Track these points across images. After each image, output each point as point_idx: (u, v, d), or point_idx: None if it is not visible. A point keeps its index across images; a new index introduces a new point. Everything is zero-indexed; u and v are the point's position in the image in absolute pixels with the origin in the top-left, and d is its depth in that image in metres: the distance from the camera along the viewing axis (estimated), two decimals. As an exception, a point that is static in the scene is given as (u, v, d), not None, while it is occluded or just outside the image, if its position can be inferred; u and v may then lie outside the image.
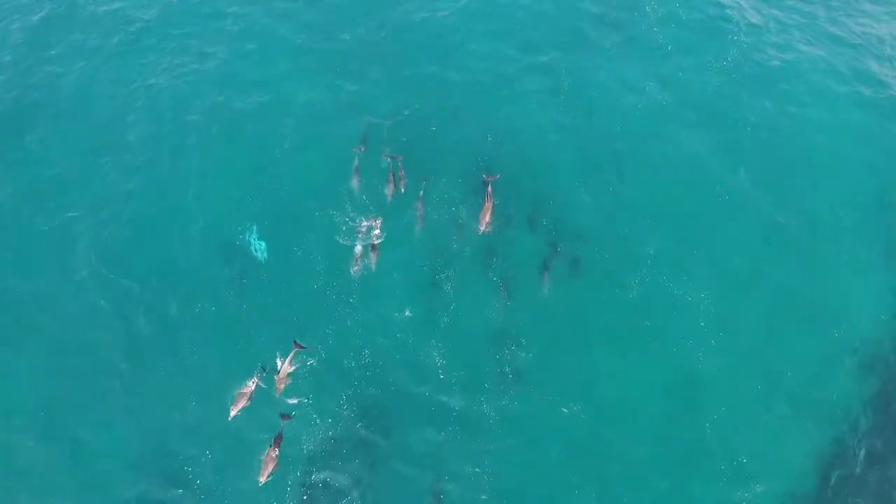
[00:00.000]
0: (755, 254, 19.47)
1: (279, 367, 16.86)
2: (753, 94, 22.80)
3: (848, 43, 24.63)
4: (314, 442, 16.41)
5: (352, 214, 19.53)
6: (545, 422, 16.77)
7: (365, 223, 19.29)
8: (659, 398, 17.18)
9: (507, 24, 24.74)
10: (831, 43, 24.61)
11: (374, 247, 18.88)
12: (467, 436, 16.55)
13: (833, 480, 16.36)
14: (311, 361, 17.32)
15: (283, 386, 16.77)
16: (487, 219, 19.25)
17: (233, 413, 16.31)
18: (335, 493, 15.91)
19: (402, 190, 19.93)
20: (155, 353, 17.62)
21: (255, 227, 19.53)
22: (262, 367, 16.94)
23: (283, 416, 16.36)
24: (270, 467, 15.71)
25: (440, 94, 22.50)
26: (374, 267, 18.71)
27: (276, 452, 15.83)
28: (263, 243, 19.26)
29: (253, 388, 16.56)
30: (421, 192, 19.81)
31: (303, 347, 17.25)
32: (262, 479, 15.56)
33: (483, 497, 15.84)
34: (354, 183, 20.16)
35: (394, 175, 20.01)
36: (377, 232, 19.09)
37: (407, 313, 18.10)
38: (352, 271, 18.64)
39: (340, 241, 19.04)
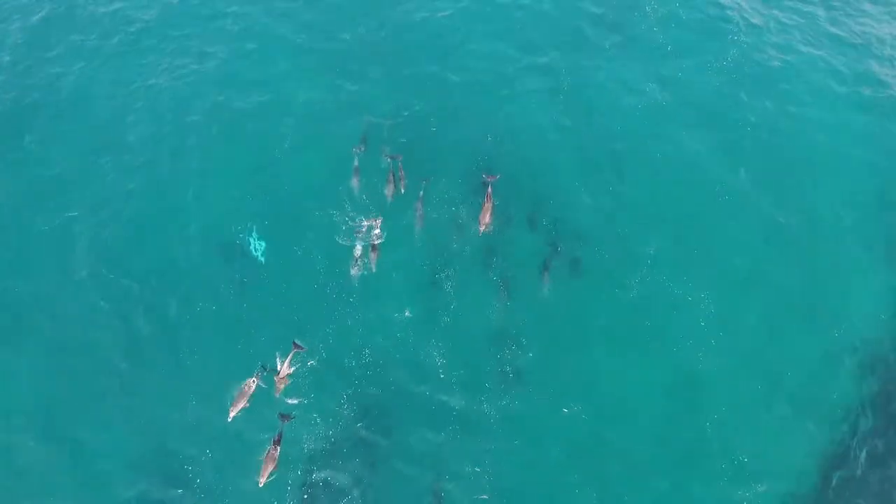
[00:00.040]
0: (755, 254, 19.48)
1: (279, 368, 16.85)
2: (753, 94, 22.82)
3: (848, 43, 24.64)
4: (314, 441, 16.41)
5: (352, 214, 19.52)
6: (545, 421, 16.77)
7: (365, 223, 19.28)
8: (659, 398, 17.17)
9: (507, 24, 24.74)
10: (831, 43, 24.62)
11: (374, 247, 18.88)
12: (467, 435, 16.55)
13: (834, 481, 16.35)
14: (311, 361, 17.31)
15: (282, 386, 16.75)
16: (487, 219, 19.25)
17: (232, 414, 16.29)
18: (335, 493, 15.90)
19: (402, 190, 19.93)
20: (155, 353, 17.61)
21: (254, 227, 19.52)
22: (262, 367, 16.92)
23: (283, 416, 16.34)
24: (270, 468, 15.70)
25: (440, 94, 22.51)
26: (374, 267, 18.70)
27: (276, 453, 15.82)
28: (263, 243, 19.26)
29: (253, 388, 16.55)
30: (421, 192, 19.81)
31: (302, 348, 17.23)
32: (262, 481, 15.54)
33: (483, 497, 15.83)
34: (354, 183, 20.16)
35: (394, 175, 20.01)
36: (377, 232, 19.08)
37: (407, 313, 18.10)
38: (352, 271, 18.64)
39: (340, 241, 19.03)
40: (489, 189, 19.58)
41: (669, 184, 20.63)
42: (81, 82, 22.97)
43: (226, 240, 19.37)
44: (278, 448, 15.89)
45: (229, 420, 16.26)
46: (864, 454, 16.73)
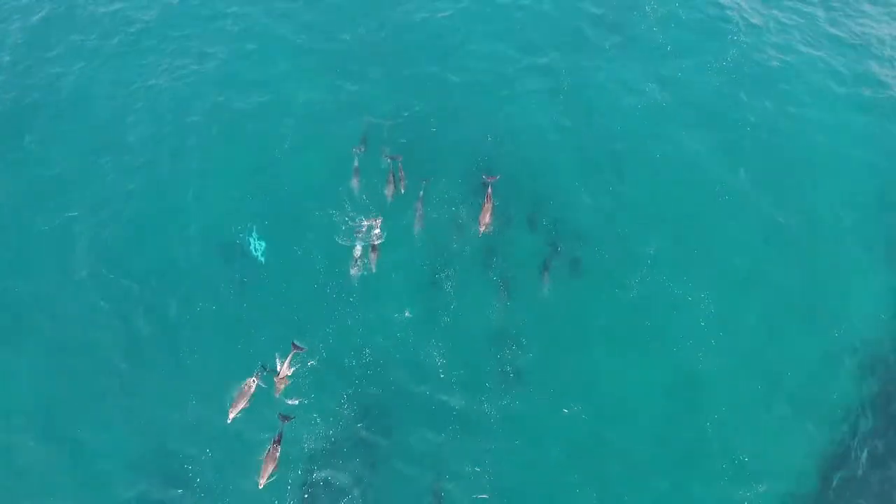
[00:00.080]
0: (755, 254, 19.48)
1: (279, 369, 16.84)
2: (753, 95, 22.83)
3: (847, 44, 24.66)
4: (315, 441, 16.41)
5: (352, 214, 19.53)
6: (545, 421, 16.77)
7: (365, 223, 19.29)
8: (659, 398, 17.17)
9: (506, 25, 24.76)
10: (831, 43, 24.64)
11: (374, 247, 18.88)
12: (468, 435, 16.54)
13: (834, 482, 16.35)
14: (311, 361, 17.30)
15: (282, 386, 16.75)
16: (487, 220, 19.26)
17: (231, 415, 16.27)
18: (336, 493, 15.90)
19: (402, 190, 19.93)
20: (155, 353, 17.61)
21: (254, 227, 19.52)
22: (262, 367, 16.92)
23: (283, 417, 16.34)
24: (270, 469, 15.69)
25: (440, 95, 22.52)
26: (374, 267, 18.70)
27: (277, 453, 15.81)
28: (263, 243, 19.26)
29: (253, 388, 16.54)
30: (421, 193, 19.81)
31: (302, 349, 17.22)
32: (262, 482, 15.52)
33: (483, 496, 15.82)
34: (354, 183, 20.17)
35: (394, 175, 20.01)
36: (377, 232, 19.09)
37: (407, 313, 18.10)
38: (352, 271, 18.64)
39: (340, 241, 19.03)
40: (489, 189, 19.58)
41: (669, 184, 20.64)
42: (81, 82, 22.98)
43: (226, 240, 19.37)
44: (278, 448, 15.88)
45: (229, 421, 16.25)
46: (864, 454, 16.73)
